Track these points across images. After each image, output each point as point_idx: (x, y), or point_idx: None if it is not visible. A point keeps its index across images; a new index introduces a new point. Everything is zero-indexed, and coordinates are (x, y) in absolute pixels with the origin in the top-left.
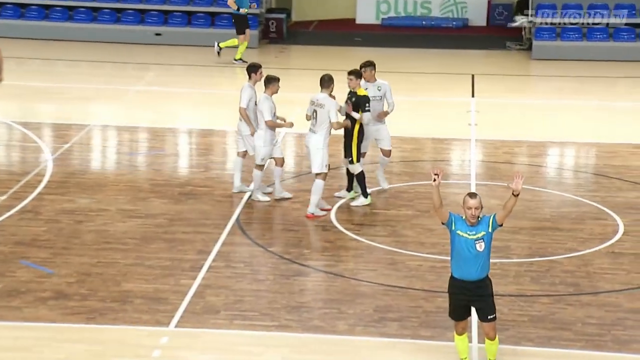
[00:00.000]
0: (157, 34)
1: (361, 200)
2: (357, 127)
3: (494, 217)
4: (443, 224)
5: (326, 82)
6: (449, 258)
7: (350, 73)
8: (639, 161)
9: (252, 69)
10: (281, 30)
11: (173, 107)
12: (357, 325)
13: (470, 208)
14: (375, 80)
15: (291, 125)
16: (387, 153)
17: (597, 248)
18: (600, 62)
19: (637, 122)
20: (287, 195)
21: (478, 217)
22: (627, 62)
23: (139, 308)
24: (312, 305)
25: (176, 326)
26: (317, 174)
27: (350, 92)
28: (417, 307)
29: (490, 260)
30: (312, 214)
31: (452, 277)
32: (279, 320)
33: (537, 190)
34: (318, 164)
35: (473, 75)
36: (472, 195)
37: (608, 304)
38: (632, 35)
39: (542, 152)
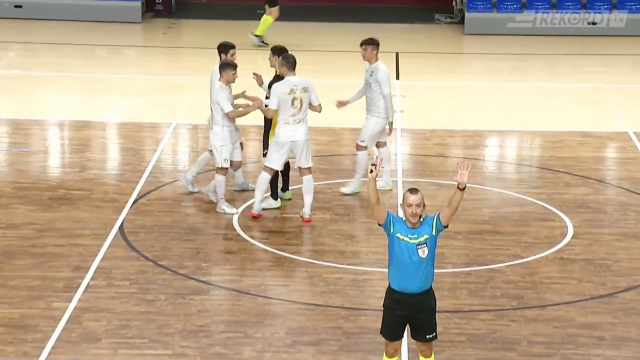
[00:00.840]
0: (17, 6)
1: (269, 202)
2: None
3: (437, 217)
4: (380, 225)
5: (295, 62)
6: (373, 269)
7: (365, 43)
8: (588, 152)
9: (224, 49)
10: (169, 3)
11: (39, 95)
12: (267, 351)
13: (410, 205)
14: (377, 61)
15: (260, 103)
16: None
17: (543, 254)
18: (542, 38)
19: (586, 107)
20: (252, 186)
21: (420, 216)
22: (573, 37)
23: (2, 338)
24: (212, 329)
25: (48, 358)
26: (308, 169)
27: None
28: (336, 328)
29: None
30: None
31: (389, 289)
32: (173, 348)
33: (473, 188)
34: (310, 158)
35: (397, 54)
36: (412, 190)
37: (557, 319)
38: (578, 5)
39: (479, 142)
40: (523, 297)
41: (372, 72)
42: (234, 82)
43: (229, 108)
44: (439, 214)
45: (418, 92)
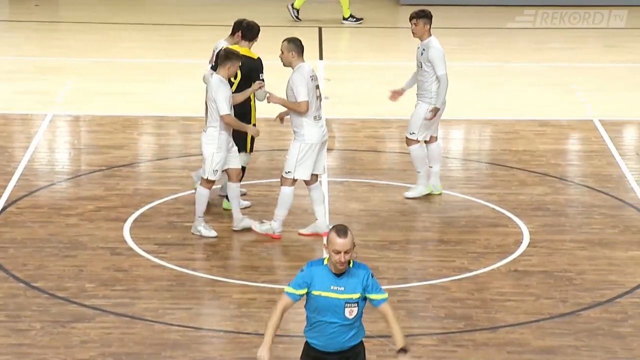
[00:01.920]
0: None
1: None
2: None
3: (372, 284)
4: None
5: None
6: (292, 286)
7: (415, 16)
8: (546, 144)
9: (249, 33)
10: None
11: None
12: None
13: (338, 252)
14: (428, 36)
15: (257, 133)
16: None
17: (494, 266)
18: (492, 8)
19: (547, 91)
20: (250, 224)
21: (349, 263)
22: (535, 6)
23: None
24: None
25: None
26: (318, 177)
27: None
28: (249, 359)
29: None
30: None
31: (307, 345)
32: None
33: (412, 188)
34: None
35: (320, 29)
36: (339, 232)
37: (511, 343)
38: None
39: None
40: (471, 318)
41: (424, 50)
42: (235, 76)
43: (225, 110)
44: (373, 279)
45: (346, 75)
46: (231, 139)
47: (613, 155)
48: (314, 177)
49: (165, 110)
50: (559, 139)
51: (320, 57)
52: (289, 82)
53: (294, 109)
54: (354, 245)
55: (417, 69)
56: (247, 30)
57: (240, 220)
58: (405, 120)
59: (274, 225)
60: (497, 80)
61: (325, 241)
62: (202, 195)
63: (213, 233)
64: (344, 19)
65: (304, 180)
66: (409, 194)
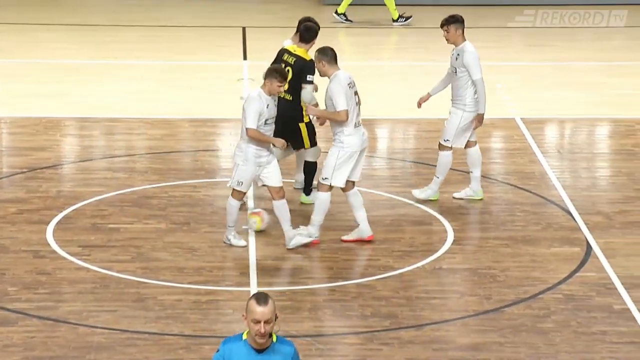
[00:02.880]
0: None
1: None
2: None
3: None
4: None
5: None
6: (219, 288)
7: (446, 23)
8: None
9: (307, 34)
10: None
11: None
12: None
13: (257, 322)
14: (463, 41)
15: (283, 145)
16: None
17: (419, 264)
18: (425, 8)
19: None
20: (306, 240)
21: (270, 335)
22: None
23: None
24: None
25: None
26: (354, 184)
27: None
28: None
29: (275, 289)
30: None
31: None
32: None
33: (337, 188)
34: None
35: (244, 29)
36: (259, 300)
37: (436, 340)
38: None
39: None
40: (397, 316)
41: (458, 54)
42: (277, 95)
43: (251, 124)
44: (299, 357)
45: None
46: (264, 153)
47: (535, 153)
48: (350, 183)
49: (90, 111)
50: (482, 137)
51: (244, 57)
52: (327, 91)
53: (334, 118)
54: (277, 317)
55: (451, 75)
56: (304, 32)
57: (291, 239)
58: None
59: (310, 231)
60: (421, 79)
61: (245, 311)
62: (232, 206)
63: (242, 242)
64: (394, 20)
65: (340, 188)
66: (419, 194)
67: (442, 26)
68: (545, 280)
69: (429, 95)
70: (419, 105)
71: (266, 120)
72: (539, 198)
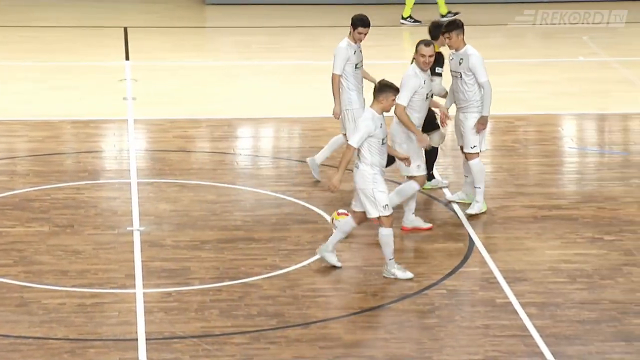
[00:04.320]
0: None
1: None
2: None
3: None
4: None
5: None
6: (104, 291)
7: (447, 30)
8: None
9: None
10: None
11: None
12: None
13: None
14: (464, 45)
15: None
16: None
17: (305, 263)
18: (308, 7)
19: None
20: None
21: None
22: (344, 5)
23: None
24: None
25: None
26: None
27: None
28: None
29: (162, 290)
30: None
31: None
32: None
33: (222, 187)
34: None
35: (125, 29)
36: None
37: (323, 338)
38: None
39: (229, 133)
40: (283, 315)
41: (462, 59)
42: (388, 111)
43: (354, 142)
44: None
45: (153, 75)
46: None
47: None
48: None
49: None
50: None
51: (127, 58)
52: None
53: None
54: None
55: (455, 81)
56: (433, 29)
57: (330, 251)
58: (217, 120)
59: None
60: (304, 78)
61: None
62: (386, 236)
63: (409, 275)
64: (403, 18)
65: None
66: (471, 210)
67: (443, 34)
68: (429, 276)
69: (447, 110)
70: (445, 123)
71: (382, 139)
72: (422, 195)
